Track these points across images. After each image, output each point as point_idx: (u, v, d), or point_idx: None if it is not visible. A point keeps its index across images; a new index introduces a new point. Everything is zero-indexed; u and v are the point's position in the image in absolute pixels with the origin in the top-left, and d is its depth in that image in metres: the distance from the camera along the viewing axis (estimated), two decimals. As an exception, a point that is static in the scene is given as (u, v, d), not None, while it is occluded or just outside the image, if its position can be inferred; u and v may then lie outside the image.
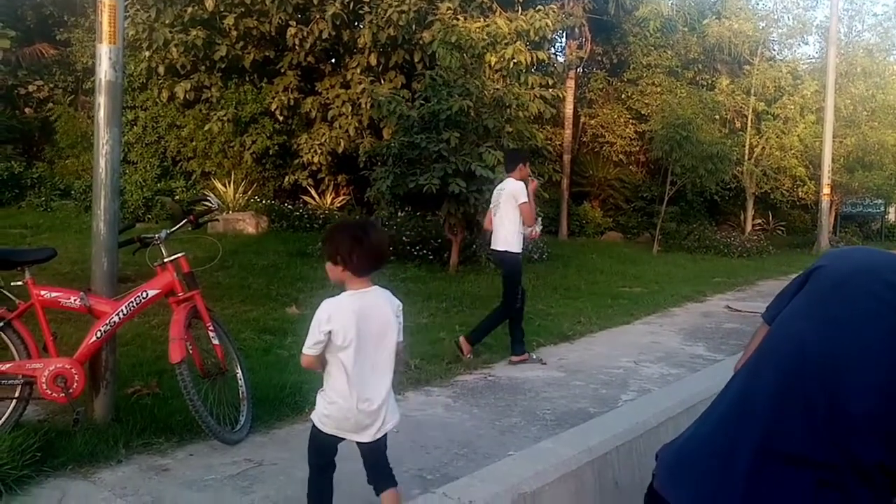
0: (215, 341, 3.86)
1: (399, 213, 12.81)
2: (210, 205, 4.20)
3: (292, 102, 15.98)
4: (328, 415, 2.65)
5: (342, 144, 15.57)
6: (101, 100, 3.77)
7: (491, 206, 6.32)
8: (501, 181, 6.44)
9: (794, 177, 19.89)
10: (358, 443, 2.68)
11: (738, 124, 20.46)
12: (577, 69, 20.21)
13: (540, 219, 7.10)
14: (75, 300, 3.66)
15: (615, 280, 11.67)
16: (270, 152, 16.20)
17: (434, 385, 5.28)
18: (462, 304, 8.50)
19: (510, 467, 2.23)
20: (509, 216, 6.02)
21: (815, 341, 1.45)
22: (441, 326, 7.13)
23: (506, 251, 6.07)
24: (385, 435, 2.72)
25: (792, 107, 19.49)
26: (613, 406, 4.99)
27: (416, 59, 15.12)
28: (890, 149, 20.28)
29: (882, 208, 26.13)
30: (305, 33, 14.89)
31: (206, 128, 15.84)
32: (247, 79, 16.68)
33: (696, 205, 21.50)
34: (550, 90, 12.50)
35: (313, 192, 16.67)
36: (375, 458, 2.74)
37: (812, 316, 1.49)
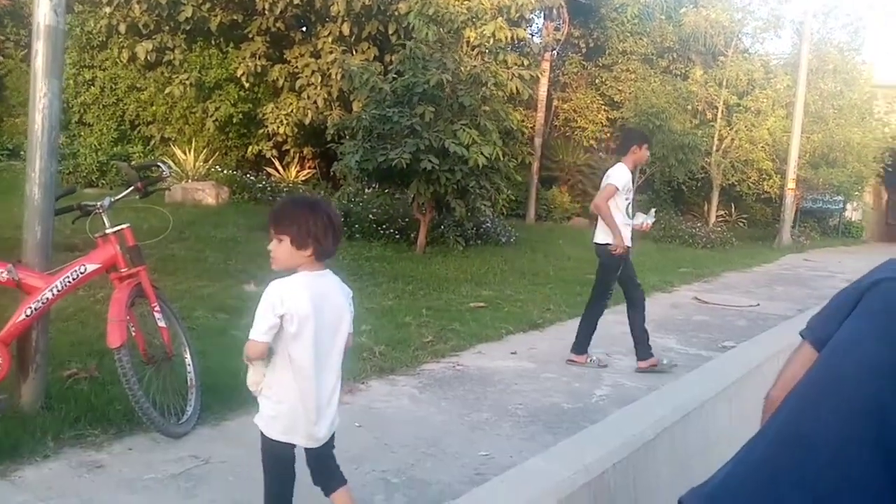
0: (161, 323, 3.50)
1: (366, 190, 12.42)
2: (161, 171, 3.81)
3: (259, 70, 15.37)
4: (275, 417, 2.34)
5: (310, 116, 15.05)
6: (39, 46, 3.34)
7: None
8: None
9: (760, 170, 19.99)
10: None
11: (709, 115, 20.45)
12: (552, 51, 19.91)
13: (653, 210, 6.53)
14: (2, 272, 3.26)
15: (583, 266, 11.45)
16: (234, 120, 15.60)
17: (399, 374, 4.99)
18: (429, 286, 8.21)
19: (496, 494, 1.94)
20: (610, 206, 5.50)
21: (880, 370, 1.21)
22: (407, 310, 6.84)
23: (603, 244, 5.61)
24: (333, 434, 2.43)
25: (764, 100, 19.53)
26: (587, 401, 4.79)
27: (390, 31, 14.63)
28: (854, 147, 20.52)
29: (841, 205, 26.56)
30: (276, -3, 14.27)
31: (168, 91, 15.16)
32: (212, 42, 16.00)
33: (662, 194, 21.49)
34: (528, 70, 12.18)
35: (277, 163, 16.14)
36: (323, 460, 2.44)
37: (880, 340, 1.25)
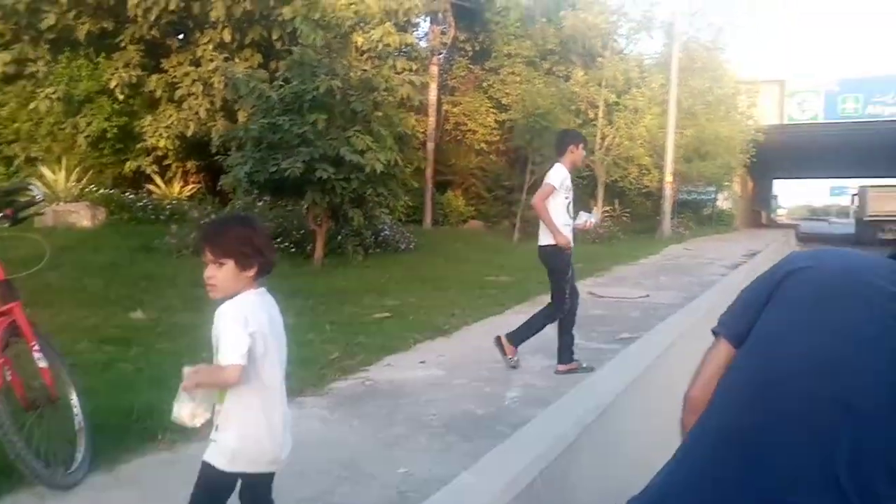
0: (42, 364, 3.17)
1: (257, 203, 12.01)
2: (33, 195, 3.46)
3: (134, 80, 14.58)
4: (239, 449, 2.14)
5: (192, 127, 14.42)
6: None
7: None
8: None
9: (640, 165, 21.03)
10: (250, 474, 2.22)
11: (591, 115, 21.29)
12: (440, 55, 20.08)
13: (595, 208, 6.48)
14: None
15: (482, 269, 11.64)
16: (109, 135, 14.68)
17: (307, 394, 4.80)
18: (330, 299, 8.02)
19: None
20: (549, 205, 5.44)
21: (828, 360, 1.22)
22: (309, 326, 6.62)
23: (545, 245, 5.51)
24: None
25: (641, 98, 20.55)
26: (500, 405, 4.78)
27: (274, 37, 14.26)
28: (723, 140, 21.98)
29: (713, 195, 28.38)
30: (149, 4, 13.58)
31: (32, 107, 14.07)
32: (81, 52, 14.97)
33: (553, 193, 22.15)
34: (418, 76, 12.19)
35: (158, 179, 15.35)
36: (264, 491, 2.31)
37: (812, 330, 1.27)
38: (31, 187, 3.60)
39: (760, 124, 24.66)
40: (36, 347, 3.18)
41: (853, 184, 65.88)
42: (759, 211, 45.55)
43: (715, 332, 1.48)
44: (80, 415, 3.37)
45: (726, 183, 25.77)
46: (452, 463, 3.73)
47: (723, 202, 30.62)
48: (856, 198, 33.78)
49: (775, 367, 1.28)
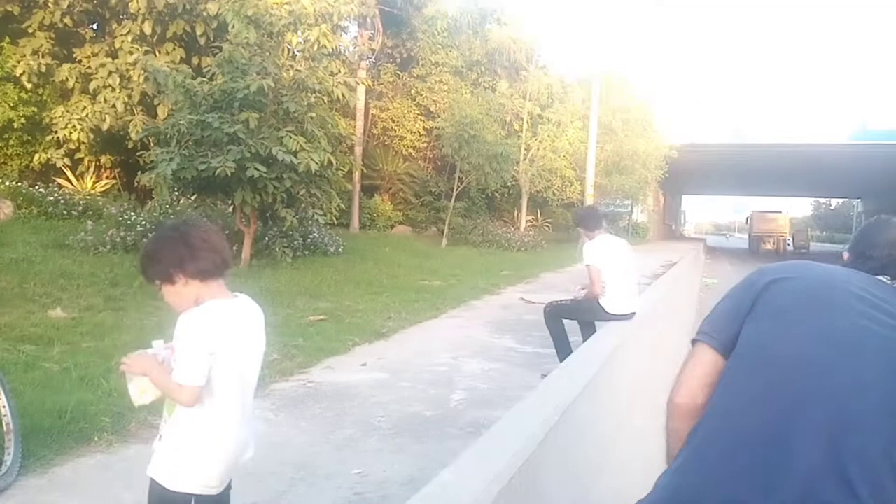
0: (-30, 361, 2.92)
1: (179, 201, 11.53)
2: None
3: (44, 69, 13.71)
4: (182, 467, 1.96)
5: (108, 121, 13.70)
6: None
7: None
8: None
9: (563, 177, 21.56)
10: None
11: (516, 126, 21.68)
12: (368, 60, 19.97)
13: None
14: None
15: (414, 273, 11.61)
16: (15, 125, 13.76)
17: (247, 396, 4.63)
18: (262, 301, 7.47)
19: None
20: None
21: (819, 363, 1.29)
22: (244, 327, 6.40)
23: None
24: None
25: (563, 112, 21.09)
26: (447, 407, 4.77)
27: (198, 32, 13.76)
28: (641, 155, 22.85)
29: (629, 208, 29.45)
30: (63, -10, 12.82)
31: (-74, 91, 13.01)
32: (-18, 36, 13.99)
33: (478, 201, 22.42)
34: (353, 78, 12.05)
35: (70, 173, 14.50)
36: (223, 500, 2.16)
37: (801, 336, 1.35)
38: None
39: (673, 142, 25.81)
40: (-37, 343, 2.93)
41: (754, 202, 70.16)
42: (670, 224, 47.58)
43: (696, 341, 1.51)
44: (10, 416, 3.12)
45: (642, 196, 26.77)
46: (406, 464, 3.69)
47: (638, 215, 31.81)
48: (748, 219, 45.75)
49: (773, 372, 1.33)
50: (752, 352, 1.38)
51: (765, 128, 28.15)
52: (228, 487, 2.13)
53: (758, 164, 34.24)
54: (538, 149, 21.18)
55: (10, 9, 13.73)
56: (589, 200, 21.53)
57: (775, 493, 1.22)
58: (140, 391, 2.02)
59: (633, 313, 5.44)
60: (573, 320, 5.85)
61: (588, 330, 5.66)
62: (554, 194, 22.24)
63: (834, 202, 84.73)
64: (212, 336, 1.90)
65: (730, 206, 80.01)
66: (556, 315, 5.80)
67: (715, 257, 29.98)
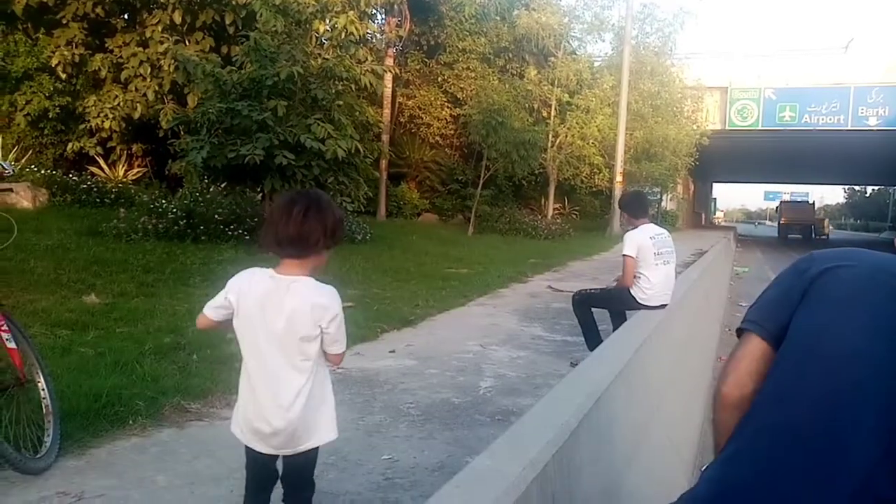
0: (10, 344, 2.98)
1: (209, 189, 11.65)
2: (2, 167, 3.25)
3: (77, 59, 13.94)
4: (234, 415, 2.24)
5: (139, 109, 13.91)
6: None
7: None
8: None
9: (592, 165, 21.36)
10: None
11: (544, 113, 21.50)
12: (395, 48, 19.93)
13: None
14: None
15: (441, 261, 11.60)
16: (50, 115, 14.02)
17: (278, 381, 4.67)
18: (290, 288, 7.83)
19: (454, 501, 1.82)
20: None
21: (871, 356, 1.25)
22: (273, 314, 6.46)
23: None
24: (307, 456, 2.26)
25: (593, 99, 20.86)
26: (476, 394, 4.76)
27: (227, 21, 13.86)
28: (671, 142, 22.53)
29: (658, 196, 29.11)
30: (94, -20, 12.99)
31: (-36, 81, 13.30)
32: (18, 27, 14.22)
33: (505, 189, 22.33)
34: (381, 66, 12.05)
35: (102, 162, 14.76)
36: (290, 481, 2.27)
37: (855, 327, 1.30)
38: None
39: (705, 128, 25.41)
40: (4, 328, 3.00)
41: (786, 189, 68.98)
42: (700, 213, 47.01)
43: (743, 329, 1.47)
44: (49, 398, 3.19)
45: (671, 184, 26.45)
46: (436, 450, 3.69)
47: (667, 203, 31.44)
48: (777, 208, 50.07)
49: (824, 363, 1.29)
50: (807, 343, 1.34)
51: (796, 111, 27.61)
52: (297, 463, 2.25)
53: (789, 150, 33.60)
54: (566, 136, 21.00)
55: (44, 0, 13.96)
56: (617, 188, 21.34)
57: (831, 489, 1.18)
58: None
59: (665, 305, 5.37)
60: (602, 309, 5.81)
61: (618, 319, 5.61)
62: (582, 182, 22.07)
63: (869, 190, 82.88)
64: (231, 288, 2.16)
65: (761, 193, 78.66)
66: (584, 303, 5.75)
67: (746, 245, 29.55)
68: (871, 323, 1.29)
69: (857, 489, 1.16)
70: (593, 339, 5.58)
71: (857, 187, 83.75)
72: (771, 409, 1.31)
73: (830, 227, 48.22)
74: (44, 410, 3.16)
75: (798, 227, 41.74)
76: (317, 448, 2.29)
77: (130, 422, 3.58)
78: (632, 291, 5.39)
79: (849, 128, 27.38)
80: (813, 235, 41.61)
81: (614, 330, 5.41)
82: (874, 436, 1.19)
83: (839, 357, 1.28)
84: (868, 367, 1.25)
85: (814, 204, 48.98)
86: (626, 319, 5.41)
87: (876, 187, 76.55)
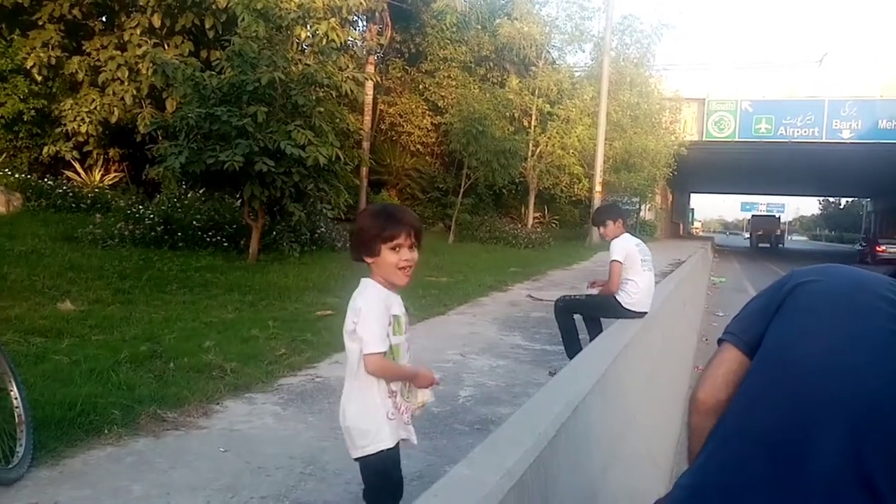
0: (-18, 353, 2.93)
1: (187, 195, 11.56)
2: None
3: (54, 61, 13.77)
4: None
5: (116, 113, 13.76)
6: None
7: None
8: None
9: (572, 174, 21.51)
10: None
11: (525, 123, 21.63)
12: (376, 55, 19.95)
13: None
14: None
15: (421, 270, 11.43)
16: (25, 118, 13.84)
17: (256, 391, 4.64)
18: (270, 296, 7.80)
19: (437, 508, 1.83)
20: None
21: (843, 364, 1.29)
22: (251, 322, 6.42)
23: None
24: (361, 462, 2.29)
25: (573, 109, 21.03)
26: (455, 403, 4.76)
27: (207, 25, 13.78)
28: (649, 153, 22.77)
29: (637, 206, 29.37)
30: (72, -19, 12.85)
31: (-64, 82, 13.07)
32: (-8, 28, 14.04)
33: (485, 197, 22.41)
34: (362, 73, 12.05)
35: (78, 166, 14.58)
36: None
37: (825, 336, 1.34)
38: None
39: (682, 139, 25.72)
40: (-24, 334, 2.94)
41: (762, 199, 69.96)
42: (678, 223, 47.55)
43: (722, 340, 1.52)
44: (21, 407, 3.13)
45: (650, 194, 26.71)
46: (414, 459, 3.68)
47: (646, 213, 31.73)
48: (749, 221, 58.89)
49: (794, 374, 1.32)
50: (775, 353, 1.38)
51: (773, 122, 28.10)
52: (360, 468, 2.38)
53: (765, 161, 34.12)
54: (546, 145, 21.14)
55: (20, 1, 13.78)
56: (597, 197, 21.51)
57: (795, 495, 1.21)
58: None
59: (646, 313, 5.41)
60: (583, 316, 5.82)
61: (595, 328, 5.63)
62: (562, 191, 22.21)
63: (843, 201, 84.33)
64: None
65: (738, 204, 79.69)
66: (567, 310, 5.77)
67: (723, 256, 29.91)
68: (841, 334, 1.32)
69: (821, 496, 1.19)
70: (573, 346, 5.61)
71: (831, 199, 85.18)
72: (740, 416, 1.35)
73: (786, 238, 59.22)
74: (16, 420, 3.11)
75: (766, 238, 47.76)
76: (367, 457, 2.27)
77: (106, 431, 3.54)
78: (618, 297, 5.42)
79: (823, 140, 27.89)
80: (780, 245, 48.43)
81: (591, 339, 5.45)
82: (839, 444, 1.21)
83: (806, 366, 1.32)
84: (833, 377, 1.28)
85: (780, 218, 57.34)
86: (601, 329, 5.45)
87: (850, 199, 77.90)
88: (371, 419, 2.23)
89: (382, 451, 2.23)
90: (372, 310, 2.17)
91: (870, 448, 1.20)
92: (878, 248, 31.14)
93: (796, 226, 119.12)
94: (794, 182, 47.99)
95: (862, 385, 1.26)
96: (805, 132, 28.09)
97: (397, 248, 2.18)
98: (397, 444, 2.28)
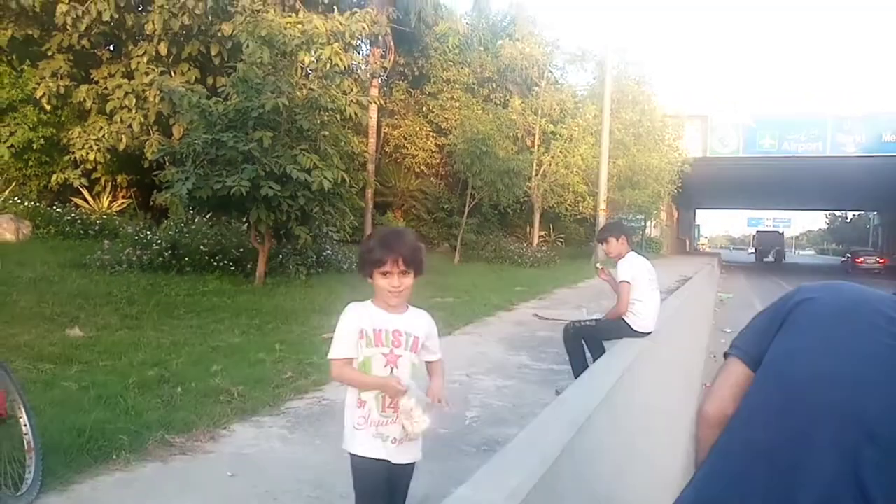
0: (-8, 380, 2.97)
1: (195, 220, 11.65)
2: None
3: (62, 91, 13.97)
4: None
5: (124, 141, 13.92)
6: None
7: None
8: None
9: (576, 193, 21.57)
10: None
11: (528, 142, 21.74)
12: (380, 78, 20.15)
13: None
14: None
15: (426, 290, 11.58)
16: (34, 146, 14.02)
17: (263, 414, 4.65)
18: (276, 319, 7.83)
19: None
20: None
21: (841, 379, 1.31)
22: (258, 346, 6.45)
23: None
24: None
25: (576, 128, 21.14)
26: (461, 424, 4.76)
27: (212, 53, 13.98)
28: (654, 170, 22.82)
29: (642, 223, 29.37)
30: (80, 13, 13.09)
31: (-52, 113, 13.27)
32: (3, 59, 14.26)
33: (490, 217, 22.47)
34: (366, 97, 12.19)
35: (87, 193, 14.72)
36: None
37: (824, 352, 1.37)
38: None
39: (686, 156, 25.77)
40: (-15, 362, 2.98)
41: (768, 214, 69.91)
42: (684, 239, 47.49)
43: (728, 354, 1.55)
44: (31, 434, 3.16)
45: (655, 211, 26.72)
46: (421, 481, 3.66)
47: (651, 230, 31.72)
48: (754, 237, 63.67)
49: (792, 387, 1.35)
50: (775, 367, 1.41)
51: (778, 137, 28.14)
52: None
53: (770, 176, 34.12)
54: (550, 164, 21.23)
55: (30, 32, 14.02)
56: (601, 215, 21.53)
57: None
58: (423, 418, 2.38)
59: (652, 331, 5.41)
60: (596, 339, 5.76)
61: (598, 349, 5.60)
62: (566, 210, 22.25)
63: (850, 215, 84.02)
64: None
65: (744, 219, 79.58)
66: (577, 336, 5.73)
67: (730, 272, 29.82)
68: (839, 348, 1.35)
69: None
70: (580, 368, 5.60)
71: (837, 213, 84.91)
72: (740, 429, 1.38)
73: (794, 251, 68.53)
74: (25, 446, 3.13)
75: (770, 252, 52.44)
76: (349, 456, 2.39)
77: (114, 457, 3.55)
78: (626, 319, 5.40)
79: (828, 154, 27.89)
80: (782, 259, 52.41)
81: (594, 359, 5.43)
82: (835, 456, 1.23)
83: (804, 380, 1.34)
84: (830, 390, 1.31)
85: (783, 233, 62.62)
86: (604, 350, 5.42)
87: (856, 213, 77.65)
88: (346, 420, 2.39)
89: (353, 454, 2.35)
90: (340, 323, 2.38)
91: (865, 460, 1.22)
92: (857, 260, 37.22)
93: (803, 240, 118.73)
94: (800, 196, 48.00)
95: (858, 398, 1.28)
96: (809, 147, 28.13)
97: (386, 274, 2.31)
98: (372, 458, 2.34)
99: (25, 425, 3.17)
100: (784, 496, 1.24)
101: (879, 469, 1.21)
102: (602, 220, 21.89)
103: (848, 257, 40.96)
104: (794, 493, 1.24)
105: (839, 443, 1.25)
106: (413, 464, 2.46)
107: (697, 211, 63.15)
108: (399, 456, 2.41)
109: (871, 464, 1.22)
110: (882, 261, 37.27)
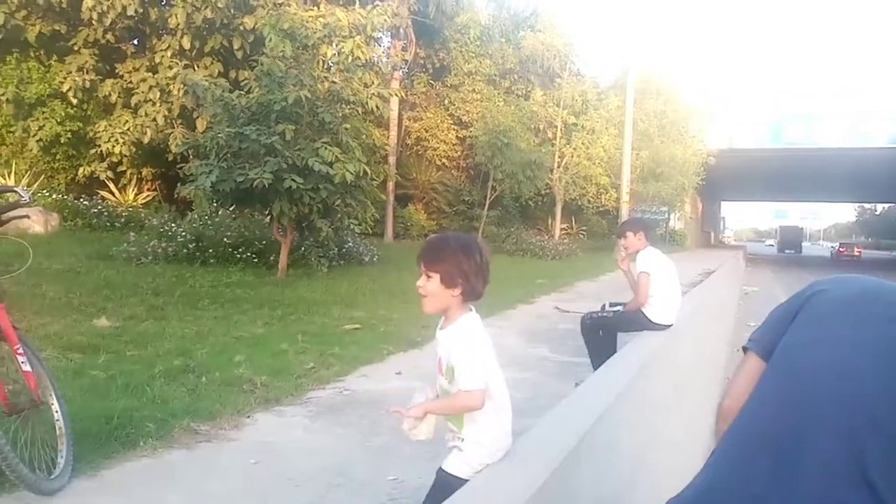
0: (26, 367, 3.05)
1: (218, 212, 11.79)
2: (20, 197, 3.35)
3: (88, 85, 14.17)
4: (489, 462, 2.35)
5: (149, 134, 14.10)
6: None
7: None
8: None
9: (598, 185, 21.44)
10: None
11: (550, 134, 21.64)
12: (401, 71, 20.17)
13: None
14: None
15: (447, 283, 11.66)
16: (62, 140, 14.25)
17: (285, 404, 4.72)
18: (299, 310, 7.91)
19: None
20: None
21: (848, 370, 1.33)
22: (281, 336, 6.52)
23: None
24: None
25: (598, 119, 20.99)
26: (481, 416, 4.79)
27: (235, 46, 14.10)
28: (678, 161, 22.59)
29: (666, 215, 29.10)
30: (105, 7, 13.25)
31: (-21, 109, 13.55)
32: (31, 54, 14.50)
33: (511, 209, 22.42)
34: (387, 89, 12.23)
35: (113, 186, 14.95)
36: None
37: (833, 343, 1.39)
38: (17, 190, 3.51)
39: (710, 148, 25.48)
40: (20, 351, 3.07)
41: (795, 207, 68.90)
42: (708, 232, 46.99)
43: (745, 348, 1.57)
44: (62, 420, 3.24)
45: (679, 203, 26.48)
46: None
47: (675, 222, 31.43)
48: (777, 231, 69.44)
49: (800, 377, 1.38)
50: (788, 357, 1.44)
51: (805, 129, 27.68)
52: None
53: (797, 168, 33.59)
54: (572, 156, 21.12)
55: (57, 27, 14.23)
56: (624, 208, 21.38)
57: (795, 492, 1.25)
58: (429, 429, 2.37)
59: (672, 325, 5.38)
60: (611, 332, 5.77)
61: (611, 345, 5.57)
62: (589, 202, 22.14)
63: (879, 207, 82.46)
64: (484, 341, 2.26)
65: (771, 211, 78.59)
66: (595, 328, 5.73)
67: (756, 264, 29.47)
68: (846, 340, 1.37)
69: (822, 496, 1.22)
70: (600, 360, 5.60)
71: (867, 205, 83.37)
72: (749, 418, 1.41)
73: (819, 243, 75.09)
74: (57, 432, 3.22)
75: (791, 245, 59.38)
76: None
77: (141, 444, 3.64)
78: (645, 311, 5.38)
79: (856, 146, 27.39)
80: (800, 251, 58.57)
81: (605, 355, 5.41)
82: (840, 445, 1.25)
83: (811, 370, 1.37)
84: (837, 380, 1.32)
85: (802, 229, 69.09)
86: (615, 348, 5.39)
87: (886, 205, 76.20)
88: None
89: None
90: None
91: (869, 450, 1.24)
92: (840, 251, 45.43)
93: (832, 232, 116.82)
94: (828, 188, 47.20)
95: (863, 389, 1.30)
96: (837, 138, 27.64)
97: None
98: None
99: (57, 412, 3.26)
100: (789, 482, 1.26)
101: (883, 457, 1.23)
102: (625, 212, 21.76)
103: (833, 248, 48.76)
104: (798, 479, 1.25)
105: (844, 431, 1.26)
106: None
107: (723, 203, 62.45)
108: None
109: (875, 452, 1.23)
110: (858, 250, 46.33)
